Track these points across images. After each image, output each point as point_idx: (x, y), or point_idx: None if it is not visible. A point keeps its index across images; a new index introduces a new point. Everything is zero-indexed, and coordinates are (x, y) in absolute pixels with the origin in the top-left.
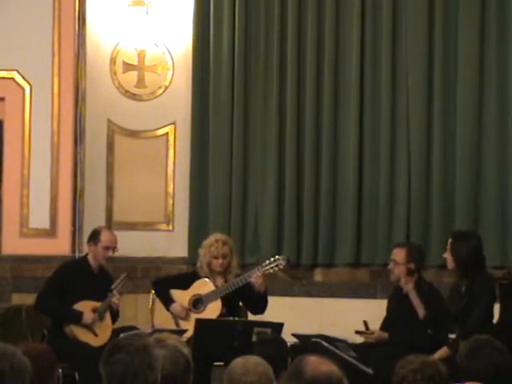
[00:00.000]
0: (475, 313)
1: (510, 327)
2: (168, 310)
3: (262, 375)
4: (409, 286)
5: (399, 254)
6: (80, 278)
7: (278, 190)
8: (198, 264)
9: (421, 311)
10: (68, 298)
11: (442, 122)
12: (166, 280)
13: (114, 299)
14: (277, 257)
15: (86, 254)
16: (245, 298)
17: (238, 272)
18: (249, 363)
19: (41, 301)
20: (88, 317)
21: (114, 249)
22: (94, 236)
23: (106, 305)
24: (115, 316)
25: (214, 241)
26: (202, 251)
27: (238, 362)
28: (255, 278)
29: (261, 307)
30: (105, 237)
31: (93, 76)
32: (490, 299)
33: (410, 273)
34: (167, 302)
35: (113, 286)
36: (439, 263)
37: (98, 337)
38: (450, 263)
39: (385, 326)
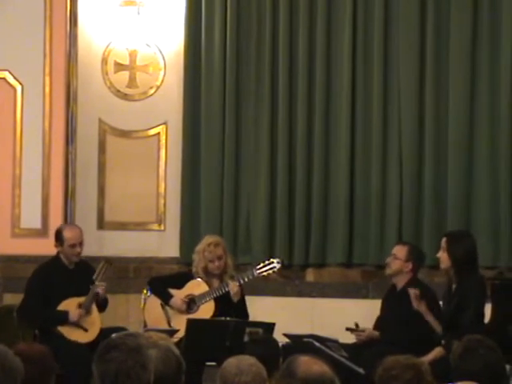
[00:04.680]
0: (468, 313)
1: (501, 327)
2: (168, 304)
3: (256, 375)
4: (422, 308)
5: (400, 251)
6: (57, 277)
7: (270, 190)
8: (194, 269)
9: (438, 328)
10: (51, 300)
11: (434, 122)
12: (161, 279)
13: (99, 289)
14: (271, 260)
15: (58, 253)
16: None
17: (233, 273)
18: (242, 363)
19: (23, 312)
20: (74, 314)
21: (81, 244)
22: (58, 236)
23: (91, 297)
24: (103, 304)
25: (206, 245)
26: (196, 257)
27: (232, 362)
28: (231, 286)
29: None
30: (67, 234)
31: (84, 76)
32: (481, 299)
33: (421, 296)
34: (166, 297)
35: (94, 277)
36: (431, 264)
37: (88, 332)
38: (445, 262)
39: (378, 325)
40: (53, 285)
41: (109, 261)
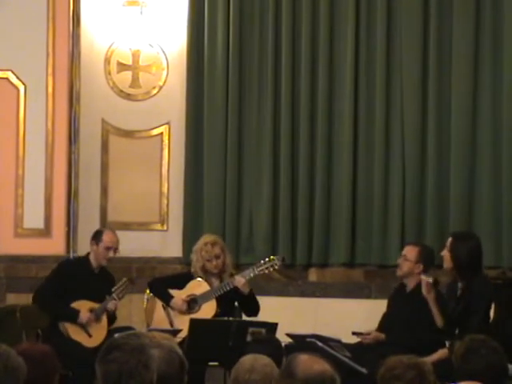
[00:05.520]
0: (475, 317)
1: (503, 327)
2: (169, 306)
3: (267, 376)
4: (430, 296)
5: (411, 252)
6: (80, 277)
7: (273, 190)
8: (192, 269)
9: (439, 320)
10: (67, 296)
11: (436, 122)
12: (161, 280)
13: (111, 305)
14: (272, 257)
15: (88, 254)
16: (238, 300)
17: (233, 272)
18: (257, 362)
19: (39, 295)
20: (84, 316)
21: (116, 250)
22: (97, 236)
23: (104, 307)
24: (111, 319)
25: (203, 244)
26: (193, 257)
27: (247, 359)
28: (237, 281)
29: (251, 309)
30: (107, 237)
31: (87, 76)
32: (488, 302)
33: (435, 284)
34: (166, 298)
35: (113, 289)
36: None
37: (92, 338)
38: (447, 262)
39: (384, 323)
40: (74, 282)
41: (131, 279)
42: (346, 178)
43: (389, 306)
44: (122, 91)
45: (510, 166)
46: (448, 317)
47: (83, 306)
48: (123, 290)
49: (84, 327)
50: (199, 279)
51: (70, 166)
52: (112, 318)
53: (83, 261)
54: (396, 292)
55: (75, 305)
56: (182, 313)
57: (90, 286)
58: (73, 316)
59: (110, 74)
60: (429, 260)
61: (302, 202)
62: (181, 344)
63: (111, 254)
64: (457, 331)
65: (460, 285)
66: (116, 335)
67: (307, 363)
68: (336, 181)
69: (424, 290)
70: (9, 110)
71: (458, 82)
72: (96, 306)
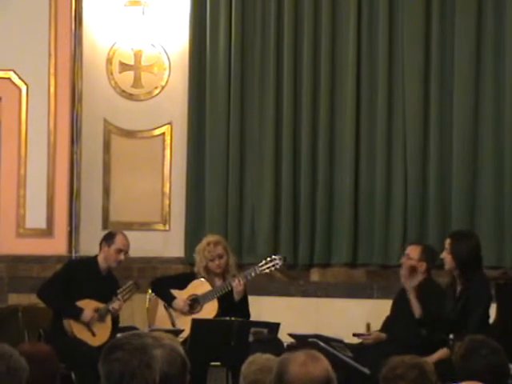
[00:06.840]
0: (474, 316)
1: (505, 327)
2: (170, 306)
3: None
4: (409, 285)
5: (414, 251)
6: (87, 278)
7: (275, 190)
8: (196, 269)
9: (417, 311)
10: (72, 295)
11: (439, 122)
12: (163, 280)
13: (115, 305)
14: (273, 257)
15: (96, 256)
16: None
17: (236, 272)
18: (270, 362)
19: (44, 289)
20: (87, 314)
21: (126, 253)
22: (109, 238)
23: (108, 307)
24: (115, 321)
25: (205, 244)
26: (197, 257)
27: (256, 358)
28: (236, 284)
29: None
30: (119, 240)
31: (89, 76)
32: (487, 300)
33: (413, 271)
34: (168, 299)
35: (119, 291)
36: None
37: (96, 337)
38: (449, 263)
39: (387, 324)
40: (80, 282)
41: (137, 284)
42: (347, 178)
43: (392, 307)
44: (124, 91)
45: None
46: (428, 312)
47: (88, 305)
48: (128, 292)
49: (88, 326)
50: (201, 279)
51: (72, 166)
52: (115, 319)
53: (91, 262)
54: (400, 293)
55: (80, 303)
56: (184, 313)
57: (95, 287)
58: (76, 313)
59: (112, 74)
60: (431, 259)
61: (303, 202)
62: (183, 344)
63: (122, 256)
64: (454, 333)
65: (459, 286)
66: (119, 335)
67: (301, 370)
68: (338, 181)
69: (404, 277)
70: (11, 109)
71: (461, 84)
72: (101, 305)
